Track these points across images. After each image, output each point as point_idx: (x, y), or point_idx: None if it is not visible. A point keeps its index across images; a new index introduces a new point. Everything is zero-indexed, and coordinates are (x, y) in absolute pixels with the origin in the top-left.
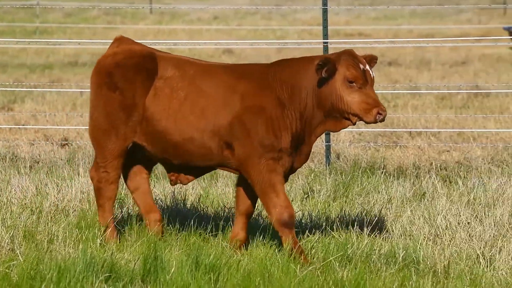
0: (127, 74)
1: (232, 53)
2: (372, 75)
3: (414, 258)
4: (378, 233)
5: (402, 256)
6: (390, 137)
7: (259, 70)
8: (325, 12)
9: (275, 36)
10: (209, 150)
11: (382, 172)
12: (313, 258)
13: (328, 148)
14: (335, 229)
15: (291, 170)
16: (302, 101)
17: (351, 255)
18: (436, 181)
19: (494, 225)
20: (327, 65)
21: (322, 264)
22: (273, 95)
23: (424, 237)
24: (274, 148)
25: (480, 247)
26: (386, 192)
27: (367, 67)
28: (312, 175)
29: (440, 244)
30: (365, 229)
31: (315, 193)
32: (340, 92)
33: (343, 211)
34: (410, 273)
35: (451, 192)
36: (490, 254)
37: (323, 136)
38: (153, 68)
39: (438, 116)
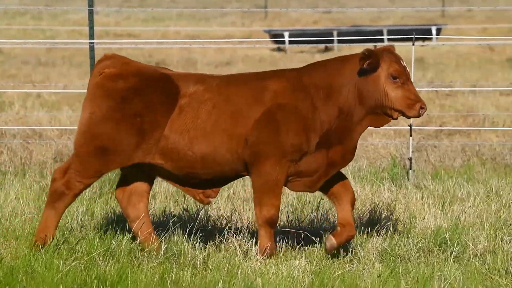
0: (148, 99)
1: (1, 53)
2: (408, 71)
3: (176, 251)
4: None
5: (164, 249)
6: None
7: (291, 73)
8: (90, 13)
9: (44, 36)
10: (236, 155)
11: None
12: (77, 254)
13: None
14: (100, 225)
15: (335, 167)
16: (343, 98)
17: (115, 250)
18: None
19: (252, 218)
20: (371, 57)
21: (85, 259)
22: (308, 96)
23: (184, 230)
24: (301, 150)
25: (238, 240)
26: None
27: (404, 63)
28: None
29: (201, 237)
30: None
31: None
32: (385, 88)
33: (108, 207)
34: (171, 266)
35: None
36: (247, 246)
37: None
38: (173, 88)
39: None
